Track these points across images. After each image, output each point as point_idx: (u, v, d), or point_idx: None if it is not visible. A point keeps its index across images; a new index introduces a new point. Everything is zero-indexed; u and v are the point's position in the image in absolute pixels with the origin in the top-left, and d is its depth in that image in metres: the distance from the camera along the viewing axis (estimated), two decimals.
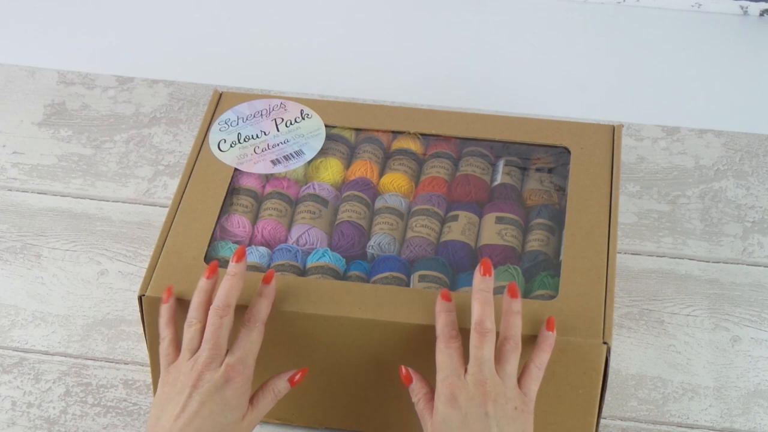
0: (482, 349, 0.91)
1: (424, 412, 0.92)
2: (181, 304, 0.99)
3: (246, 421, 0.93)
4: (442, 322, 0.93)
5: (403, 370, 0.95)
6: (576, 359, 0.96)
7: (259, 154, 1.11)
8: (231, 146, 1.12)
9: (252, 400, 0.94)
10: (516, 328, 0.93)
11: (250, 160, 1.11)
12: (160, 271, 1.01)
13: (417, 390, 0.94)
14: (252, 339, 0.94)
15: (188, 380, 0.91)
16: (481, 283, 0.94)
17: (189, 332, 0.94)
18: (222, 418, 0.91)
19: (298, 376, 0.97)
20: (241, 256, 0.96)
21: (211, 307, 0.94)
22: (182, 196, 1.07)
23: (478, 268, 0.94)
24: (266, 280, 0.97)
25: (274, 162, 1.11)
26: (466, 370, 0.91)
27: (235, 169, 1.11)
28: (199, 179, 1.09)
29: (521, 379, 0.92)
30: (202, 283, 0.96)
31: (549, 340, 0.94)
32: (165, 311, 0.97)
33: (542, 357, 0.93)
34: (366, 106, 1.18)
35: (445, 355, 0.92)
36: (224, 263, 1.04)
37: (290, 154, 1.11)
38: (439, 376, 0.91)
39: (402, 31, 1.53)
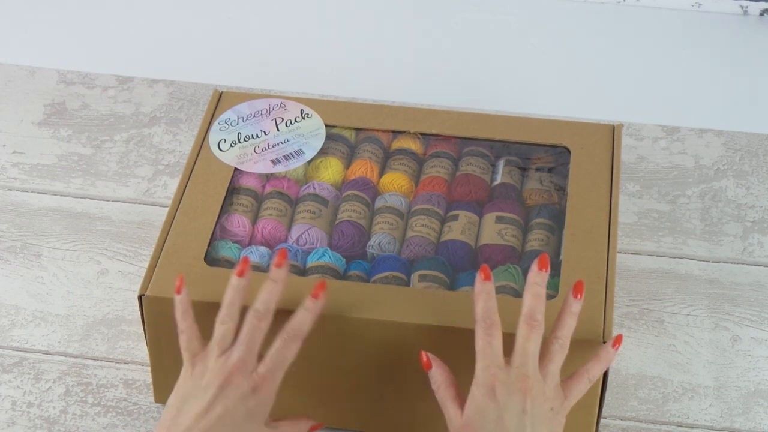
0: (529, 340, 0.89)
1: (446, 401, 0.90)
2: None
3: (270, 426, 0.92)
4: (483, 307, 0.90)
5: (424, 356, 0.92)
6: (576, 359, 0.96)
7: (259, 154, 1.11)
8: (231, 146, 1.12)
9: (273, 421, 0.93)
10: (568, 329, 0.91)
11: (250, 159, 1.11)
12: (160, 270, 1.01)
13: (436, 377, 0.92)
14: (287, 353, 0.92)
15: (216, 379, 0.90)
16: (537, 277, 0.91)
17: (221, 329, 0.92)
18: (242, 429, 0.89)
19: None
20: (282, 261, 0.93)
21: (252, 309, 0.92)
22: (182, 196, 1.07)
23: (535, 262, 0.92)
24: (315, 295, 0.94)
25: (274, 161, 1.11)
26: (507, 361, 0.89)
27: (235, 169, 1.11)
28: (199, 179, 1.09)
29: (568, 381, 0.91)
30: (234, 281, 0.93)
31: (609, 356, 0.92)
32: (180, 302, 0.95)
33: (596, 370, 0.92)
34: (366, 106, 1.18)
35: (485, 342, 0.89)
36: (225, 263, 1.04)
37: (290, 153, 1.11)
38: (479, 364, 0.89)
39: (402, 31, 1.53)
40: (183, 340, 0.94)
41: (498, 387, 0.87)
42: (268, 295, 0.93)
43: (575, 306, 0.91)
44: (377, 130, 1.16)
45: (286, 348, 0.92)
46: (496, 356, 0.89)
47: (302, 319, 0.93)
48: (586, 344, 0.95)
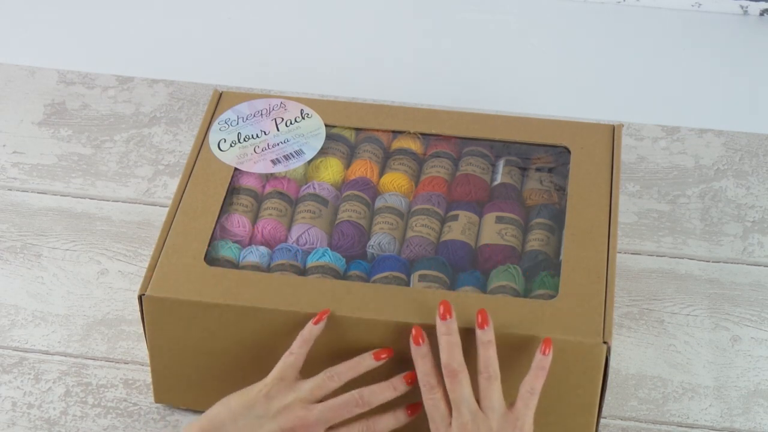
0: (455, 392, 0.91)
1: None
2: (178, 303, 0.99)
3: None
4: (421, 371, 0.93)
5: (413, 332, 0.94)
6: (576, 359, 0.96)
7: (259, 154, 1.11)
8: (231, 146, 1.12)
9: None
10: (489, 359, 0.92)
11: (250, 159, 1.11)
12: (160, 270, 1.01)
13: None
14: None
15: (285, 419, 0.92)
16: (442, 327, 0.93)
17: (326, 383, 0.94)
18: None
19: None
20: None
21: (359, 393, 0.94)
22: (182, 196, 1.07)
23: (438, 312, 0.94)
24: (411, 413, 0.97)
25: (274, 161, 1.11)
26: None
27: (235, 169, 1.11)
28: (199, 179, 1.09)
29: (516, 404, 0.92)
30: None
31: (543, 363, 0.93)
32: (309, 332, 0.96)
33: (535, 383, 0.93)
34: (366, 106, 1.18)
35: (430, 405, 0.92)
36: (225, 262, 1.04)
37: (290, 153, 1.11)
38: (431, 426, 0.92)
39: (402, 31, 1.53)
40: (287, 361, 0.95)
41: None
42: (378, 394, 0.95)
43: (485, 335, 0.93)
44: (377, 130, 1.16)
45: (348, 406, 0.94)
46: (442, 416, 0.92)
47: (386, 427, 0.96)
48: (586, 345, 0.95)
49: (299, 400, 0.93)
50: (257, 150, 1.12)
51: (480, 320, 0.93)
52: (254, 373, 0.99)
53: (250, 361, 1.01)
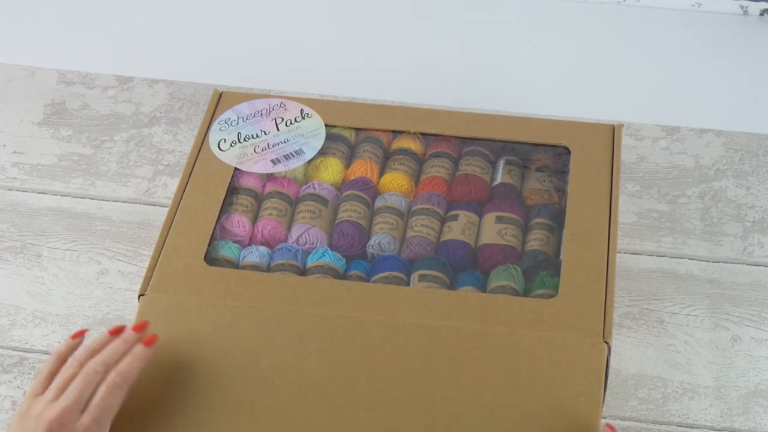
0: None
1: None
2: (177, 304, 0.99)
3: None
4: None
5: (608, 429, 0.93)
6: (576, 359, 0.96)
7: (259, 154, 1.11)
8: (231, 146, 1.12)
9: None
10: None
11: (250, 159, 1.11)
12: (160, 270, 1.01)
13: None
14: (113, 400, 0.90)
15: (38, 428, 0.88)
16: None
17: (60, 376, 0.90)
18: None
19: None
20: (142, 327, 0.94)
21: (92, 360, 0.91)
22: (182, 196, 1.07)
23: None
24: (147, 343, 0.93)
25: (274, 161, 1.11)
26: None
27: (235, 169, 1.11)
28: (199, 179, 1.09)
29: None
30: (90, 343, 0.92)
31: None
32: (73, 345, 0.93)
33: None
34: (366, 106, 1.18)
35: None
36: (225, 262, 1.04)
37: (290, 153, 1.11)
38: None
39: (402, 31, 1.53)
40: (36, 378, 0.92)
41: None
42: (110, 352, 0.92)
43: None
44: (377, 130, 1.16)
45: (111, 395, 0.90)
46: None
47: (129, 366, 0.92)
48: (586, 344, 0.95)
49: (45, 403, 0.89)
50: (257, 150, 1.12)
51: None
52: (253, 373, 0.98)
53: (249, 361, 1.01)
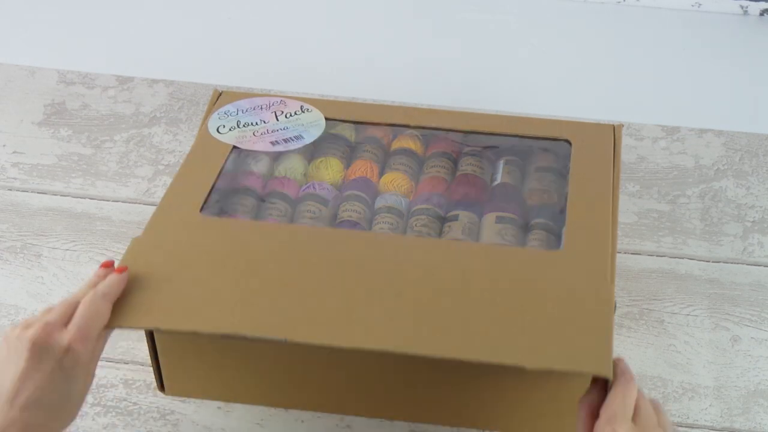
0: (642, 398, 0.88)
1: (582, 426, 0.88)
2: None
3: (87, 382, 0.89)
4: (624, 365, 0.89)
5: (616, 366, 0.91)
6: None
7: (258, 137, 1.11)
8: (230, 130, 1.12)
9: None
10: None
11: (249, 140, 1.11)
12: (155, 220, 1.01)
13: (591, 396, 0.90)
14: (98, 308, 0.89)
15: (24, 347, 0.85)
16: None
17: (47, 313, 0.89)
18: (65, 392, 0.86)
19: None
20: (121, 271, 0.93)
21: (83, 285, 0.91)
22: (181, 169, 1.07)
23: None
24: (120, 270, 0.93)
25: (273, 143, 1.11)
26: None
27: (235, 171, 1.11)
28: (198, 153, 1.09)
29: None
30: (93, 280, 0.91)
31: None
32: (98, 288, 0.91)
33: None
34: (366, 106, 1.18)
35: (619, 394, 0.87)
36: None
37: (290, 138, 1.11)
38: (606, 413, 0.87)
39: (402, 31, 1.53)
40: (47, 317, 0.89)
41: None
42: (92, 278, 0.92)
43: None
44: (378, 123, 1.16)
45: (94, 304, 0.89)
46: (626, 411, 0.86)
47: (110, 281, 0.91)
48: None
49: (29, 323, 0.88)
50: (256, 134, 1.12)
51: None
52: (264, 359, 0.99)
53: (258, 347, 1.01)
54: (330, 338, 0.91)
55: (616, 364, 0.90)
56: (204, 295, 0.94)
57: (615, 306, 0.94)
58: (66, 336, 0.87)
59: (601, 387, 0.90)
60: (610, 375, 0.86)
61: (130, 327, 0.91)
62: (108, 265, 0.94)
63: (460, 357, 0.88)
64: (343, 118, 1.16)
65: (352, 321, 0.92)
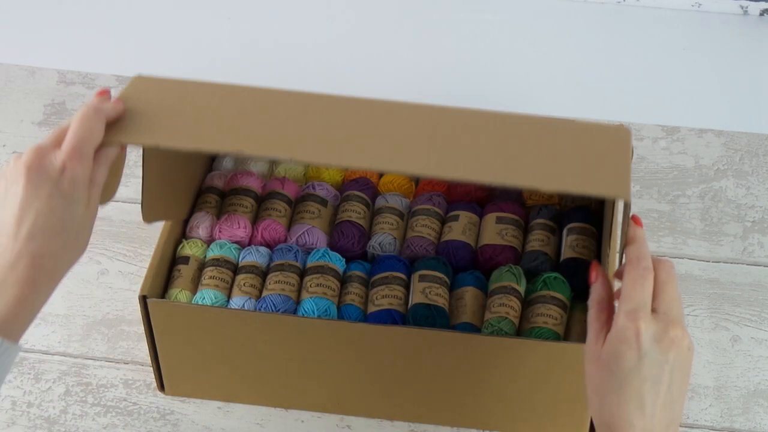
0: (668, 283, 0.84)
1: (593, 321, 0.84)
2: (180, 303, 0.99)
3: (91, 205, 0.86)
4: (636, 251, 0.84)
5: (594, 268, 0.86)
6: (575, 360, 0.96)
7: None
8: None
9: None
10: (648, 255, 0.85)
11: None
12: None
13: (597, 292, 0.85)
14: (90, 124, 0.85)
15: (20, 174, 0.83)
16: (638, 230, 0.86)
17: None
18: (65, 215, 0.83)
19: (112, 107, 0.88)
20: (118, 107, 0.87)
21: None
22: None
23: (629, 224, 0.86)
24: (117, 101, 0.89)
25: None
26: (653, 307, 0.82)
27: (235, 172, 1.11)
28: None
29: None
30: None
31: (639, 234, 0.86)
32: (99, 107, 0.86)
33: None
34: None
35: (637, 284, 0.82)
36: (227, 264, 1.04)
37: None
38: (626, 306, 0.81)
39: (402, 31, 1.53)
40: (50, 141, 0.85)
41: (642, 333, 0.80)
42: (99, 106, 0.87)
43: (641, 231, 0.86)
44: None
45: (86, 121, 0.85)
46: (645, 300, 0.82)
47: (104, 100, 0.87)
48: (582, 341, 0.96)
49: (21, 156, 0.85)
50: None
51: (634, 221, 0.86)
52: (263, 359, 0.99)
53: (256, 347, 1.01)
54: (338, 158, 0.87)
55: (632, 240, 0.85)
56: (206, 120, 0.89)
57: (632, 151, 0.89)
58: (59, 156, 0.83)
59: (604, 282, 0.86)
60: (628, 198, 0.82)
61: (126, 142, 0.86)
62: (104, 93, 0.89)
63: (475, 179, 0.84)
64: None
65: (364, 146, 0.87)
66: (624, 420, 0.79)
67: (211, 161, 1.14)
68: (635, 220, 0.86)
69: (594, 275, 0.86)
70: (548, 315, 0.98)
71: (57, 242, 0.83)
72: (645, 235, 0.86)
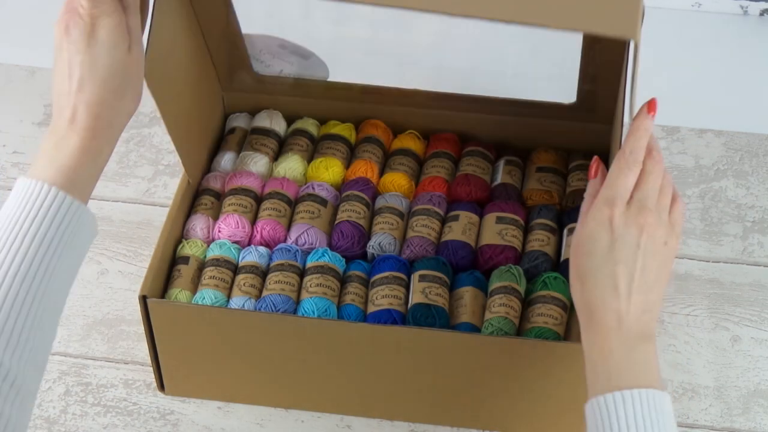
0: (652, 173, 0.87)
1: (582, 214, 0.88)
2: (180, 303, 0.99)
3: (133, 51, 0.90)
4: (632, 143, 0.87)
5: (595, 163, 0.90)
6: (575, 360, 0.96)
7: None
8: None
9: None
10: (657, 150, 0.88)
11: None
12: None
13: (593, 186, 0.89)
14: None
15: (59, 35, 0.90)
16: (646, 120, 0.89)
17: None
18: (109, 59, 0.88)
19: None
20: None
21: None
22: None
23: (643, 106, 0.89)
24: None
25: None
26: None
27: (234, 172, 1.11)
28: None
29: (671, 209, 0.88)
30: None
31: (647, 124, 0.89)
32: None
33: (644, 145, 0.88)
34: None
35: (621, 173, 0.86)
36: (226, 263, 1.04)
37: None
38: (604, 191, 0.86)
39: (396, 16, 1.52)
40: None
41: (616, 217, 0.84)
42: None
43: (648, 123, 0.88)
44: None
45: None
46: (625, 189, 0.86)
47: None
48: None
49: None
50: None
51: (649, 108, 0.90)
52: (263, 359, 0.99)
53: (256, 347, 1.01)
54: None
55: (632, 132, 0.87)
56: None
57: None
58: (86, 10, 0.88)
59: (602, 179, 0.88)
60: (637, 37, 0.82)
61: None
62: None
63: (481, 15, 0.85)
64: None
65: None
66: (600, 300, 0.83)
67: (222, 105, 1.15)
68: (650, 105, 0.90)
69: (594, 171, 0.89)
70: (548, 315, 0.98)
71: (107, 89, 0.88)
72: (651, 125, 0.88)
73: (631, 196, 0.86)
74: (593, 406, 0.81)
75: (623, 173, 0.86)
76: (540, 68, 1.38)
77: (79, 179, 0.87)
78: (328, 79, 1.19)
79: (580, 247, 0.86)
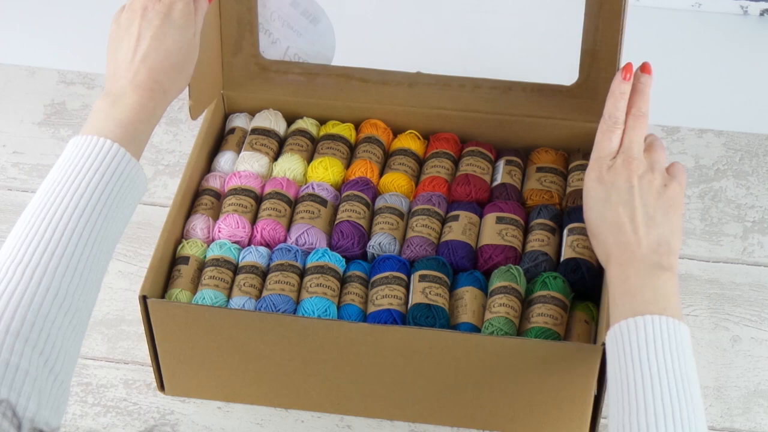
0: (635, 129, 0.94)
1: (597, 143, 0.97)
2: (180, 303, 0.99)
3: (196, 36, 1.00)
4: (612, 105, 0.96)
5: (628, 68, 0.98)
6: (575, 360, 0.96)
7: None
8: None
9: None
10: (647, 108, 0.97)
11: None
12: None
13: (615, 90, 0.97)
14: None
15: (134, 14, 0.98)
16: (623, 85, 0.97)
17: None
18: (175, 43, 0.97)
19: None
20: None
21: None
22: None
23: (618, 72, 0.97)
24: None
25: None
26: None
27: (234, 173, 1.11)
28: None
29: (670, 168, 0.95)
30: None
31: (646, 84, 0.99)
32: None
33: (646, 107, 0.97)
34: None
35: (604, 137, 0.95)
36: (226, 263, 1.04)
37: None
38: (593, 155, 0.95)
39: (402, 16, 1.52)
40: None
41: (605, 171, 0.93)
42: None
43: (624, 86, 0.97)
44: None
45: None
46: (610, 149, 0.95)
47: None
48: (584, 348, 0.96)
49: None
50: None
51: (642, 69, 0.99)
52: (263, 359, 0.99)
53: (256, 347, 1.01)
54: None
55: (609, 95, 0.96)
56: None
57: None
58: None
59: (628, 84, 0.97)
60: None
61: None
62: None
63: None
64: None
65: None
66: (611, 241, 0.91)
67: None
68: (625, 70, 0.97)
69: (625, 74, 0.97)
70: (548, 315, 0.98)
71: (169, 62, 0.97)
72: (627, 88, 0.96)
73: (617, 152, 0.93)
74: (611, 335, 0.85)
75: (606, 136, 0.95)
76: (541, 47, 1.38)
77: (136, 134, 0.92)
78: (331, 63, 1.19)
79: (585, 207, 0.94)
